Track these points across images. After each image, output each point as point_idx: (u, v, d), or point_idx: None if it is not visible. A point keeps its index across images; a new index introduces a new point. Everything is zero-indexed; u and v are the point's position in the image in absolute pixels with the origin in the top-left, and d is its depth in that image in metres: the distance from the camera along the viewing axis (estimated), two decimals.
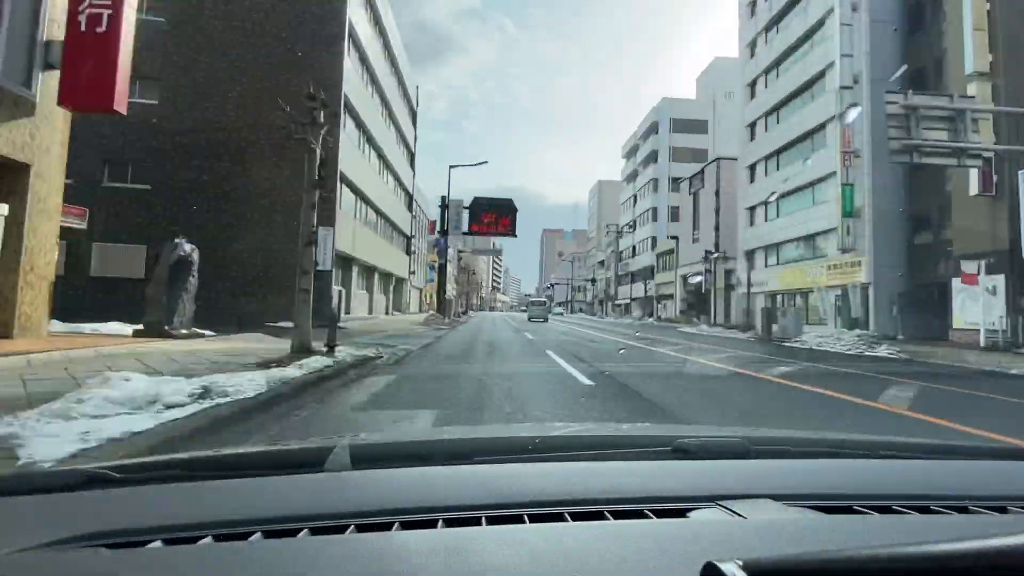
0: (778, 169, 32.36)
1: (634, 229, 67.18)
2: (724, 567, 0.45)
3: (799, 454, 1.20)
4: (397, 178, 35.71)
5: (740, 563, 0.45)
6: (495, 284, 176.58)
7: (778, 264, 32.41)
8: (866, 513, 0.84)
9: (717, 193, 41.84)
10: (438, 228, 31.87)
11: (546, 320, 40.45)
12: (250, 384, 5.50)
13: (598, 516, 0.80)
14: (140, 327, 11.73)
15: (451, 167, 31.17)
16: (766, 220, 33.41)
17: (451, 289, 31.56)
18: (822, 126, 27.88)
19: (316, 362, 7.78)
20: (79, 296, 17.56)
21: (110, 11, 9.03)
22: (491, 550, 0.66)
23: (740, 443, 1.18)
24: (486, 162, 39.08)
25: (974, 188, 18.32)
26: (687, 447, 1.13)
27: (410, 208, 40.55)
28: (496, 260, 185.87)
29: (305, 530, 0.74)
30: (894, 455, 1.23)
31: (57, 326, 11.58)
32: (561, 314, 76.42)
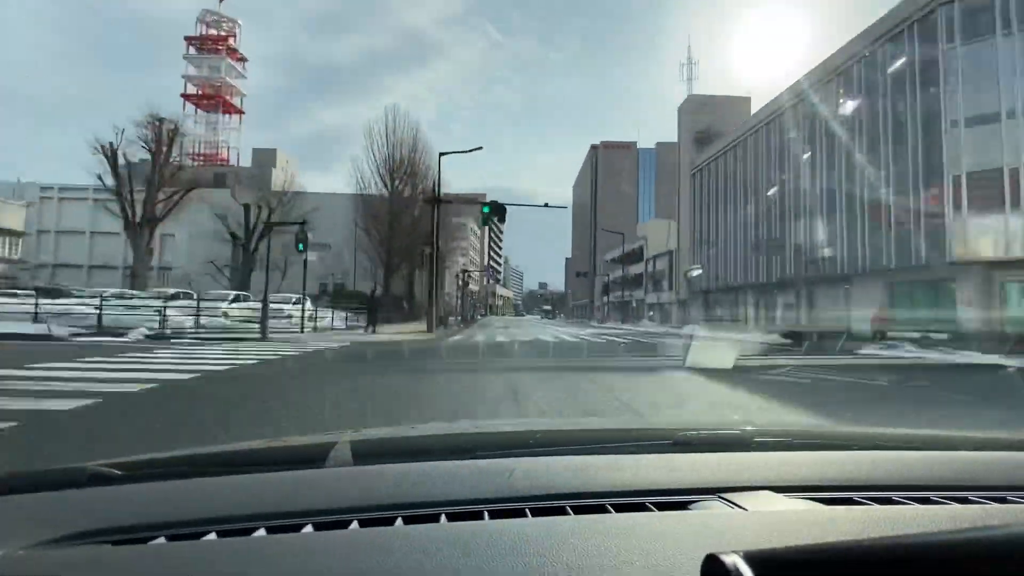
0: None
1: None
2: (726, 559, 0.44)
3: (799, 446, 1.20)
4: None
5: (741, 555, 0.45)
6: (494, 272, 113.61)
7: None
8: (866, 504, 0.84)
9: None
10: None
11: None
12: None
13: (600, 509, 0.80)
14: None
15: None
16: None
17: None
18: None
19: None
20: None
21: None
22: (493, 544, 0.66)
23: (741, 435, 1.18)
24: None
25: None
26: (688, 440, 1.13)
27: None
28: (495, 241, 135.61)
29: (308, 525, 0.74)
30: (894, 447, 1.23)
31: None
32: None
